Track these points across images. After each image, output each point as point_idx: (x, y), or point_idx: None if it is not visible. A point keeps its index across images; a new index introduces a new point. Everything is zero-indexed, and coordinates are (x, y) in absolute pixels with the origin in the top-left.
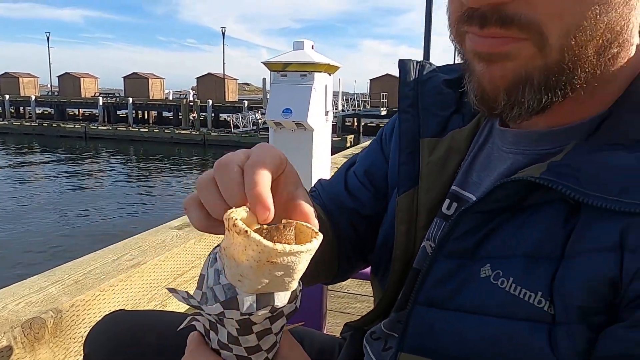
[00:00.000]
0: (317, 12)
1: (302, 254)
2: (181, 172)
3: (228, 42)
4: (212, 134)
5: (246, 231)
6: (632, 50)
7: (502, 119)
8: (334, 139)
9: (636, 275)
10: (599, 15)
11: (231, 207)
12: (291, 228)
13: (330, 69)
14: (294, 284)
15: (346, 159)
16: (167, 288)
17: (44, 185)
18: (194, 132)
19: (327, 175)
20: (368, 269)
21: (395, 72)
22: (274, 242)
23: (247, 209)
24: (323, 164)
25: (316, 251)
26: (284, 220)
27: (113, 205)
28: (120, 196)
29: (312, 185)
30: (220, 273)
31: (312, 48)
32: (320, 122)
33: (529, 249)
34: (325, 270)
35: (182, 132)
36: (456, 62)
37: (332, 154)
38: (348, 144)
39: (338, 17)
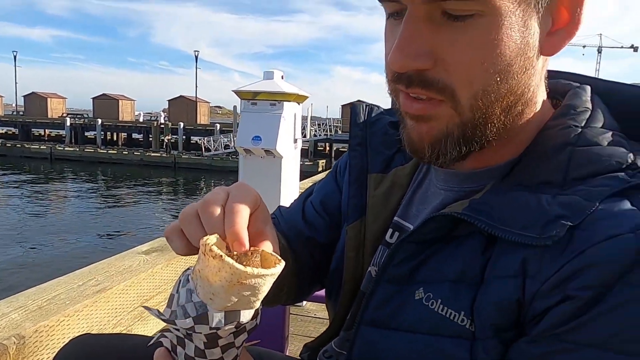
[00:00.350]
0: (290, 39)
1: (267, 277)
2: (150, 196)
3: (201, 65)
4: (183, 156)
5: (221, 256)
6: (538, 106)
7: None
8: (306, 163)
9: (535, 297)
10: (500, 82)
11: None
12: (257, 255)
13: (299, 99)
14: (258, 303)
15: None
16: (143, 306)
17: (5, 208)
18: (164, 155)
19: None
20: None
21: (367, 98)
22: (244, 266)
23: (219, 237)
24: (292, 190)
25: (278, 275)
26: (252, 248)
27: (79, 230)
28: (86, 220)
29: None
30: (192, 292)
31: (282, 78)
32: (289, 149)
33: (454, 274)
34: (285, 292)
35: (152, 154)
36: None
37: (304, 179)
38: (320, 169)
39: (311, 44)
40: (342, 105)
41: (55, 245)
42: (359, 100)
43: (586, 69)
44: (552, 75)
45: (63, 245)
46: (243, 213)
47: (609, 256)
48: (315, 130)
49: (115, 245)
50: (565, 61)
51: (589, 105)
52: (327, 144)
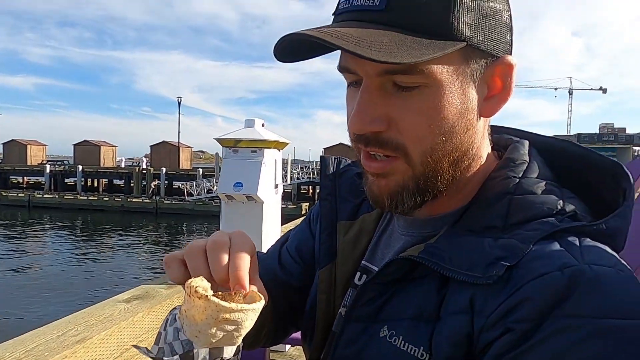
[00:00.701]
0: (272, 84)
1: (249, 311)
2: (131, 242)
3: (184, 111)
4: (165, 202)
5: (206, 296)
6: (483, 160)
7: None
8: (289, 206)
9: (482, 330)
10: (445, 141)
11: (214, 278)
12: (240, 294)
13: (280, 145)
14: (240, 340)
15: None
16: (133, 345)
17: None
18: (145, 200)
19: None
20: None
21: (348, 141)
22: (233, 304)
23: (203, 278)
24: (273, 234)
25: (259, 311)
26: (235, 287)
27: (57, 279)
28: (64, 269)
29: None
30: (179, 331)
31: (263, 125)
32: (270, 195)
33: (413, 312)
34: (265, 334)
35: (134, 200)
36: None
37: (287, 222)
38: (303, 212)
39: (292, 89)
40: (325, 148)
41: (33, 295)
42: (340, 144)
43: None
44: (496, 130)
45: (41, 295)
46: (246, 260)
47: (540, 292)
48: (298, 173)
49: (95, 294)
50: (538, 102)
51: (527, 158)
52: (310, 186)
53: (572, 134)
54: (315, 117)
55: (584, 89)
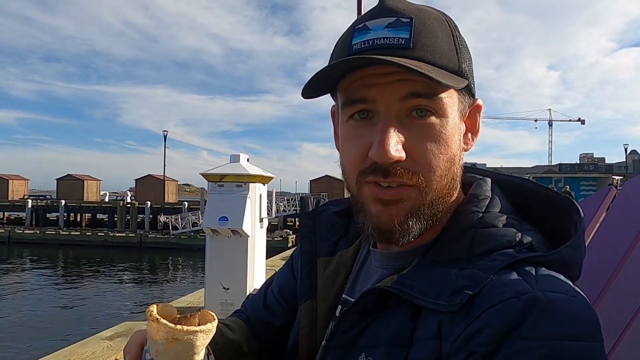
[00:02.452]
0: (256, 117)
1: (198, 333)
2: (114, 278)
3: (169, 144)
4: (150, 235)
5: (157, 318)
6: (455, 194)
7: (375, 242)
8: (275, 239)
9: (449, 355)
10: (449, 168)
11: None
12: (196, 317)
13: (264, 180)
14: (197, 358)
15: (284, 261)
16: (116, 358)
17: None
18: (130, 235)
19: (262, 277)
20: None
21: (334, 173)
22: (179, 325)
23: (168, 305)
24: (258, 267)
25: (246, 356)
26: (191, 313)
27: (38, 316)
28: (45, 306)
29: (247, 288)
30: (146, 352)
31: (248, 160)
32: (255, 229)
33: (389, 339)
34: None
35: (117, 234)
36: None
37: (274, 254)
38: (290, 244)
39: (277, 122)
40: (311, 181)
41: (14, 333)
42: (326, 176)
43: (540, 140)
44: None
45: (22, 333)
46: None
47: (498, 317)
48: (285, 206)
49: (78, 331)
50: (520, 134)
51: (489, 194)
52: (296, 219)
53: (554, 163)
54: (301, 149)
55: (563, 120)
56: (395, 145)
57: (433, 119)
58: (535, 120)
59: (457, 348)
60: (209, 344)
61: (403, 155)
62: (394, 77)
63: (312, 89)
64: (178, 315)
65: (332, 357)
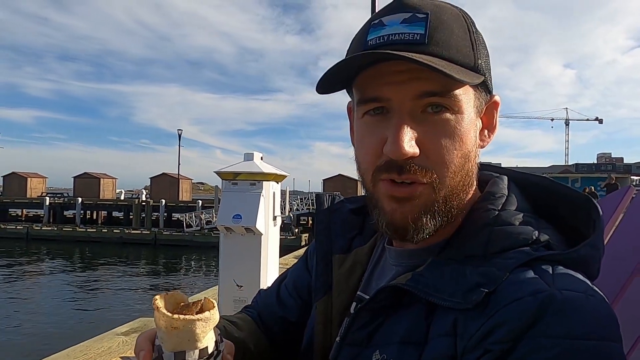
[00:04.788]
0: (269, 116)
1: (196, 322)
2: (130, 275)
3: (183, 143)
4: (164, 233)
5: (158, 307)
6: (472, 191)
7: (390, 239)
8: (288, 238)
9: (464, 352)
10: (464, 165)
11: None
12: (198, 305)
13: (278, 178)
14: (200, 344)
15: (297, 259)
16: (120, 356)
17: None
18: (144, 232)
19: (275, 275)
20: None
21: (347, 171)
22: (177, 314)
23: (178, 293)
24: (272, 265)
25: (253, 354)
26: (195, 300)
27: (55, 312)
28: (62, 302)
29: (260, 286)
30: (156, 338)
31: (261, 159)
32: (268, 227)
33: (403, 336)
34: None
35: (132, 232)
36: None
37: (287, 253)
38: (303, 243)
39: (289, 121)
40: (324, 180)
41: (31, 328)
42: (339, 175)
43: (556, 140)
44: (478, 167)
45: (39, 327)
46: None
47: (514, 315)
48: (298, 205)
49: (94, 327)
50: (534, 133)
51: (505, 192)
52: (309, 218)
53: (570, 163)
54: (313, 148)
55: (580, 119)
56: (410, 142)
57: (448, 115)
58: (552, 120)
59: (472, 346)
60: (219, 333)
61: (417, 151)
62: (408, 75)
63: (326, 85)
64: (182, 304)
65: (347, 353)
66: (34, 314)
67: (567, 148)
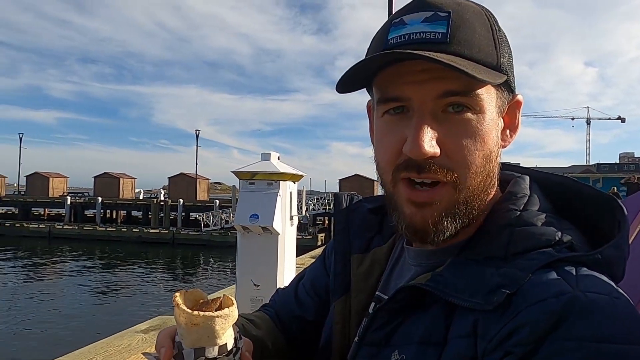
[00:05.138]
0: (286, 116)
1: (215, 318)
2: (149, 273)
3: (201, 143)
4: (182, 232)
5: (178, 304)
6: (493, 192)
7: (408, 240)
8: (305, 237)
9: (484, 354)
10: (485, 165)
11: None
12: (218, 302)
13: (295, 178)
14: (219, 341)
15: (314, 259)
16: (142, 353)
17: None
18: (163, 231)
19: (292, 274)
20: None
21: (364, 172)
22: (197, 311)
23: (197, 290)
24: (289, 264)
25: (270, 352)
26: (214, 297)
27: (76, 309)
28: (83, 299)
29: (277, 285)
30: (176, 335)
31: (278, 159)
32: (285, 226)
33: (422, 337)
34: None
35: (151, 231)
36: None
37: (303, 253)
38: (319, 242)
39: (306, 121)
40: (341, 180)
41: (53, 324)
42: (356, 175)
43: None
44: (499, 167)
45: (60, 324)
46: None
47: (536, 317)
48: (314, 205)
49: (114, 324)
50: (554, 132)
51: (527, 192)
52: (326, 218)
53: (591, 163)
54: (330, 148)
55: (602, 118)
56: (430, 141)
57: (469, 114)
58: (573, 119)
59: (493, 347)
60: (238, 330)
61: (437, 150)
62: (429, 75)
63: (347, 84)
64: (202, 301)
65: (365, 353)
66: (56, 310)
67: (589, 148)
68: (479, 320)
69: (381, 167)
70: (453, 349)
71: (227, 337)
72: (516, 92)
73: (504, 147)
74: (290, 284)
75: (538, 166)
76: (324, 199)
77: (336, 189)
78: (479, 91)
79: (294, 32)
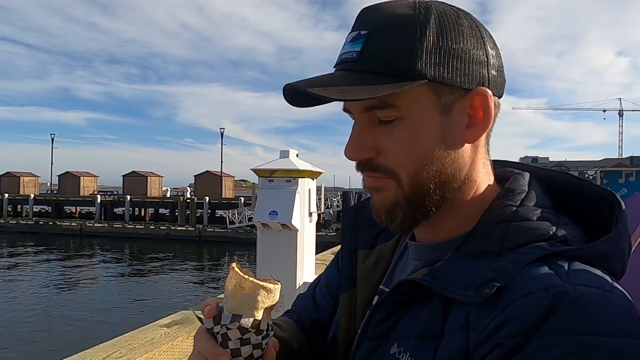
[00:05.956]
0: (309, 113)
1: (260, 288)
2: (175, 269)
3: (225, 141)
4: (208, 229)
5: (234, 267)
6: (481, 187)
7: (413, 233)
8: (329, 234)
9: (476, 346)
10: (426, 165)
11: None
12: (265, 280)
13: (314, 175)
14: (256, 314)
15: (334, 255)
16: (194, 311)
17: (34, 283)
18: (189, 228)
19: (311, 270)
20: None
21: None
22: (248, 277)
23: (248, 270)
24: (308, 260)
25: (295, 354)
26: (264, 279)
27: (104, 303)
28: (112, 294)
29: (297, 282)
30: (221, 301)
31: (297, 156)
32: (304, 223)
33: (421, 330)
34: None
35: (178, 228)
36: None
37: (327, 249)
38: None
39: (328, 117)
40: None
41: (82, 317)
42: None
43: (608, 132)
44: (500, 164)
45: (89, 317)
46: None
47: (524, 310)
48: (338, 201)
49: (139, 318)
50: (584, 125)
51: (525, 188)
52: None
53: (624, 156)
54: None
55: (635, 110)
56: (359, 146)
57: (396, 121)
58: (604, 111)
59: (484, 340)
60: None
61: (369, 154)
62: None
63: (297, 103)
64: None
65: (366, 347)
66: (86, 304)
67: (621, 140)
68: (470, 313)
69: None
70: (449, 342)
71: (263, 315)
72: (480, 87)
73: (472, 141)
74: (308, 288)
75: (568, 160)
76: None
77: (360, 185)
78: (398, 101)
79: (315, 28)
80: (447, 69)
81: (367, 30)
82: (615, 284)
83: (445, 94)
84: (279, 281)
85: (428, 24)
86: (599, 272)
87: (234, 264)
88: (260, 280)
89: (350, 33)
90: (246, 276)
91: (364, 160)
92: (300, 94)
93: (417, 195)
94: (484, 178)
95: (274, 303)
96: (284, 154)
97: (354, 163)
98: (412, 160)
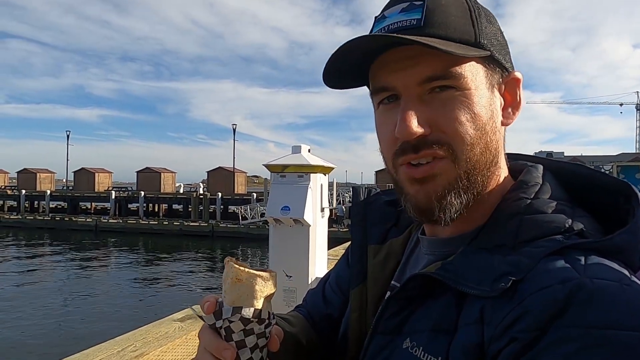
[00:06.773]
0: (320, 109)
1: (257, 278)
2: (188, 264)
3: (237, 137)
4: (221, 225)
5: (229, 261)
6: (500, 177)
7: (424, 228)
8: (341, 230)
9: (491, 340)
10: (481, 137)
11: None
12: (260, 270)
13: (325, 170)
14: (256, 303)
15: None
16: (191, 307)
17: (51, 278)
18: (202, 224)
19: (323, 265)
20: None
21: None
22: (243, 268)
23: (244, 263)
24: (320, 255)
25: (305, 349)
26: (259, 269)
27: (119, 297)
28: (126, 289)
29: (309, 277)
30: (220, 296)
31: (309, 151)
32: (316, 218)
33: (434, 324)
34: None
35: (191, 224)
36: None
37: (339, 244)
38: None
39: (340, 113)
40: (377, 172)
41: (98, 311)
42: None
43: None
44: (512, 157)
45: (105, 311)
46: None
47: (541, 304)
48: (350, 197)
49: (153, 312)
50: (600, 119)
51: (539, 180)
52: None
53: None
54: (364, 140)
55: None
56: (415, 121)
57: (454, 92)
58: (621, 105)
59: (499, 334)
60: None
61: (426, 129)
62: (409, 61)
63: (333, 79)
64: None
65: (378, 341)
66: (101, 298)
67: (638, 135)
68: (485, 307)
69: (384, 156)
70: (462, 336)
71: (263, 304)
72: (512, 70)
73: (506, 124)
74: (318, 283)
75: (583, 154)
76: None
77: (372, 181)
78: (460, 70)
79: (326, 24)
80: (497, 46)
81: (421, 1)
82: (634, 278)
83: (494, 71)
84: (275, 272)
85: (473, 1)
86: (616, 266)
87: (228, 258)
88: (256, 270)
89: (394, 6)
90: (241, 268)
91: (418, 139)
92: (342, 74)
93: (472, 172)
94: (505, 168)
95: (272, 291)
96: (296, 150)
97: (391, 152)
98: (470, 130)
